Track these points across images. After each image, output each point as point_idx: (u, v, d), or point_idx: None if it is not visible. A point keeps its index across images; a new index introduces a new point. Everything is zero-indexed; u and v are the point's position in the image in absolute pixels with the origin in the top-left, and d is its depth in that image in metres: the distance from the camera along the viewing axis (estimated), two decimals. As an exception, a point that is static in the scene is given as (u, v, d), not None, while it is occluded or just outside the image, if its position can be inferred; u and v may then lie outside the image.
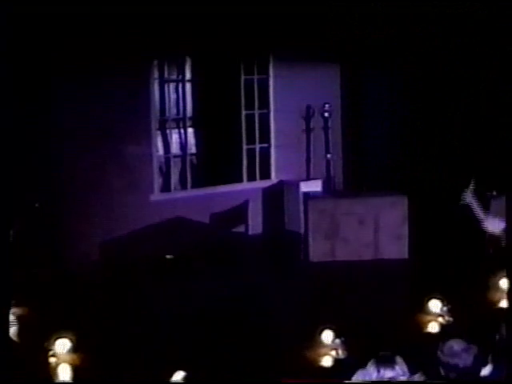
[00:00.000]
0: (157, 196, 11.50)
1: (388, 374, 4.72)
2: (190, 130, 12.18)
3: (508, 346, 5.38)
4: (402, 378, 4.79)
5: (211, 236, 11.35)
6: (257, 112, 12.41)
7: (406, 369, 4.81)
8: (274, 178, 12.52)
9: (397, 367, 4.75)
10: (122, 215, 10.88)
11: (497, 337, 5.65)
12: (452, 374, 4.80)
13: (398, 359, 4.81)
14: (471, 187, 10.16)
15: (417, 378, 4.95)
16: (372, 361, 4.81)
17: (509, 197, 10.10)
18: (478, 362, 4.84)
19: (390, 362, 4.77)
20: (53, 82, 10.12)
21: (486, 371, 5.05)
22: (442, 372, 4.86)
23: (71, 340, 7.55)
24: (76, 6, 9.93)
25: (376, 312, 8.53)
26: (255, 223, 12.01)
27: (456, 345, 4.84)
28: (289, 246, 11.69)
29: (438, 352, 4.86)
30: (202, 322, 8.53)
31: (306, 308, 8.99)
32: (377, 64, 12.20)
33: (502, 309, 8.40)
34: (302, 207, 11.57)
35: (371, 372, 4.77)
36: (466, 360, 4.78)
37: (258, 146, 12.46)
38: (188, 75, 12.04)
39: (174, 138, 11.97)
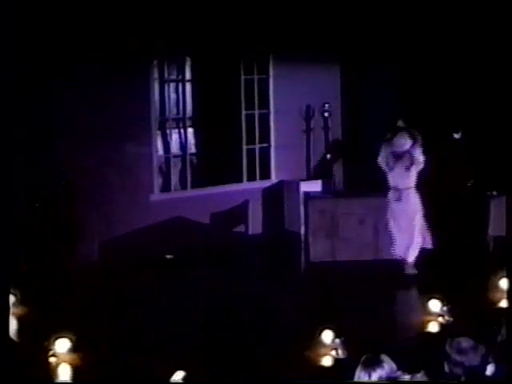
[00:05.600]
0: (157, 196, 11.50)
1: (379, 373, 4.72)
2: (190, 130, 12.18)
3: (508, 345, 5.39)
4: (396, 375, 4.79)
5: (211, 236, 11.35)
6: (257, 112, 12.42)
7: (393, 365, 4.81)
8: (274, 178, 12.53)
9: (385, 365, 4.75)
10: (122, 215, 10.87)
11: (497, 337, 5.65)
12: (457, 370, 4.80)
13: (384, 357, 4.80)
14: None
15: (419, 377, 4.95)
16: (359, 367, 4.80)
17: (509, 197, 10.16)
18: (484, 362, 4.85)
19: (376, 363, 4.76)
20: (53, 82, 10.12)
21: (486, 371, 5.05)
22: (447, 368, 4.86)
23: (71, 340, 7.55)
24: (76, 5, 9.95)
25: (376, 312, 8.53)
26: (255, 223, 12.02)
27: (465, 342, 4.85)
28: (289, 246, 11.70)
29: (446, 347, 4.86)
30: (202, 322, 8.53)
31: (306, 308, 8.98)
32: (377, 64, 12.20)
33: (502, 309, 8.40)
34: (302, 207, 11.58)
35: (362, 377, 4.77)
36: (472, 359, 4.79)
37: (257, 146, 12.46)
38: (188, 75, 12.03)
39: (174, 138, 11.97)
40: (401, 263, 10.08)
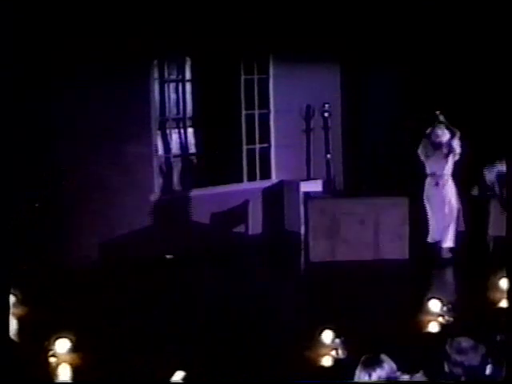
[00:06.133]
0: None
1: (379, 373, 4.73)
2: (190, 130, 12.17)
3: (508, 345, 5.39)
4: (396, 375, 4.79)
5: (211, 236, 11.34)
6: (257, 112, 12.41)
7: (393, 365, 4.82)
8: (274, 178, 12.52)
9: (385, 365, 4.76)
10: (122, 215, 10.87)
11: (497, 337, 5.65)
12: (457, 370, 4.80)
13: (384, 357, 4.81)
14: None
15: (418, 377, 4.95)
16: (359, 367, 4.80)
17: (509, 197, 10.14)
18: (484, 362, 4.85)
19: (376, 363, 4.76)
20: (53, 82, 10.12)
21: (486, 371, 5.05)
22: (447, 368, 4.86)
23: (71, 340, 7.55)
24: (76, 5, 9.95)
25: (376, 312, 8.53)
26: (255, 223, 12.02)
27: (465, 342, 4.85)
28: (289, 246, 11.69)
29: (446, 347, 4.87)
30: (202, 322, 8.53)
31: (306, 308, 8.98)
32: (377, 64, 12.20)
33: (502, 309, 8.39)
34: (302, 207, 11.57)
35: (362, 377, 4.77)
36: (472, 359, 4.79)
37: (258, 146, 12.45)
38: (188, 75, 12.03)
39: (174, 138, 11.96)
40: (436, 247, 10.52)
